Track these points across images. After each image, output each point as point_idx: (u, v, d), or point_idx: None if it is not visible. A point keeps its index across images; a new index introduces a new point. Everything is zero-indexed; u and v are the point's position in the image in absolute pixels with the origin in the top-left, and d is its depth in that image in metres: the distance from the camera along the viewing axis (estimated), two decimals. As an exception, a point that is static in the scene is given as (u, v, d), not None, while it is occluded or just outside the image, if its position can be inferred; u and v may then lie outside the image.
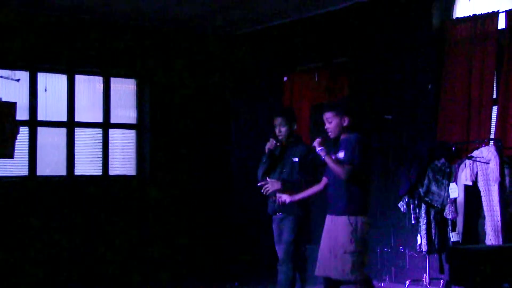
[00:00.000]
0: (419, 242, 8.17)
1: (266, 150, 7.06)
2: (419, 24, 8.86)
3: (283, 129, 7.05)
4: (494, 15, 8.17)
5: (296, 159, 6.96)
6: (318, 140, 6.31)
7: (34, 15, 9.65)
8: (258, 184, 6.97)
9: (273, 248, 7.64)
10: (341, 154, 6.23)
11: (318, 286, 9.13)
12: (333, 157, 6.24)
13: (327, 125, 6.36)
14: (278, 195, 6.75)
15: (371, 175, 6.51)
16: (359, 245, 6.10)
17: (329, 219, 6.31)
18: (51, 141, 9.97)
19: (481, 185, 7.63)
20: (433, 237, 8.11)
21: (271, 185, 6.88)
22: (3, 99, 8.66)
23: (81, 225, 9.86)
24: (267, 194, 6.94)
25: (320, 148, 6.26)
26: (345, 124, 6.29)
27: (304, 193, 6.64)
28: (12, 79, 9.58)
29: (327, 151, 6.26)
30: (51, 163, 9.92)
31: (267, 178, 6.95)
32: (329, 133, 6.38)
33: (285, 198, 6.72)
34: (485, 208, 7.60)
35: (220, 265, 10.80)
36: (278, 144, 7.07)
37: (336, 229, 6.18)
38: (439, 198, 8.02)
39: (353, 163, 6.09)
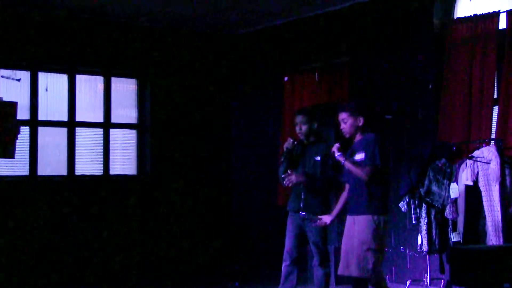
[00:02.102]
0: (419, 242, 8.17)
1: (284, 149, 7.06)
2: (419, 24, 8.86)
3: (304, 127, 7.04)
4: (495, 15, 8.17)
5: (318, 158, 6.97)
6: (337, 145, 6.41)
7: (35, 15, 9.65)
8: (282, 176, 6.96)
9: (274, 248, 7.66)
10: (360, 155, 6.31)
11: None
12: (352, 159, 6.32)
13: (342, 125, 6.45)
14: (319, 218, 6.77)
15: (390, 174, 6.55)
16: (380, 243, 6.23)
17: (350, 219, 6.40)
18: (52, 141, 9.97)
19: (481, 185, 7.64)
20: (434, 237, 8.11)
21: (295, 176, 6.90)
22: (4, 99, 8.65)
23: (81, 225, 9.86)
24: (290, 185, 6.95)
25: (339, 153, 6.36)
26: (360, 124, 6.39)
27: (338, 206, 6.71)
28: (13, 79, 9.58)
29: (345, 155, 6.34)
30: (52, 163, 9.92)
31: (288, 170, 6.96)
32: (344, 133, 6.47)
33: (326, 219, 6.74)
34: (485, 208, 7.60)
35: (220, 265, 10.80)
36: (296, 142, 7.06)
37: (357, 229, 6.26)
38: (439, 198, 8.03)
39: (374, 164, 6.19)
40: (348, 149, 6.48)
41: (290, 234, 7.09)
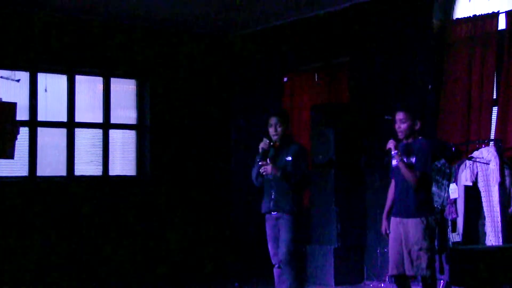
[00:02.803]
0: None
1: (260, 150, 7.00)
2: (419, 25, 8.85)
3: (280, 129, 7.02)
4: (494, 15, 8.17)
5: (290, 158, 6.94)
6: (392, 142, 6.46)
7: (34, 15, 9.65)
8: (260, 163, 6.93)
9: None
10: (412, 159, 6.41)
11: (318, 286, 9.17)
12: (408, 161, 6.41)
13: (398, 125, 6.50)
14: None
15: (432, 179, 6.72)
16: (432, 243, 6.42)
17: (396, 221, 6.52)
18: (51, 142, 9.97)
19: (481, 185, 7.64)
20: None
21: (271, 167, 6.86)
22: (3, 99, 8.63)
23: (81, 226, 9.86)
24: (264, 173, 6.91)
25: (395, 151, 6.42)
26: (416, 127, 6.48)
27: (387, 207, 6.75)
28: (12, 80, 9.57)
29: (401, 155, 6.41)
30: (51, 164, 9.92)
31: (268, 160, 6.93)
32: (399, 133, 6.53)
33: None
34: (485, 209, 7.60)
35: (220, 265, 10.80)
36: (271, 144, 7.03)
37: (407, 230, 6.41)
38: (439, 199, 8.02)
39: (425, 171, 6.35)
40: (399, 149, 6.54)
41: (270, 237, 7.06)
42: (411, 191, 6.40)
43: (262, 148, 6.99)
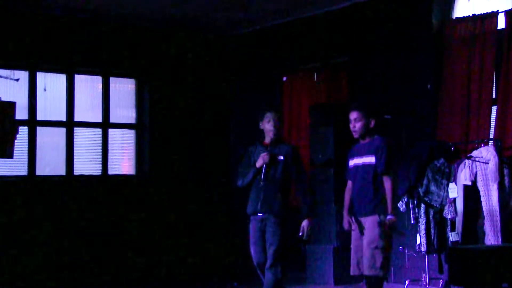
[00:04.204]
0: (418, 242, 8.17)
1: (263, 163, 6.80)
2: (418, 24, 8.86)
3: (278, 124, 6.90)
4: (494, 15, 8.17)
5: (282, 157, 6.85)
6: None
7: (34, 15, 9.65)
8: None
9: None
10: (370, 159, 6.39)
11: (318, 286, 9.17)
12: (361, 161, 6.42)
13: (353, 125, 6.48)
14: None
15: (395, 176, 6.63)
16: (389, 243, 6.38)
17: (357, 221, 6.50)
18: (51, 141, 9.97)
19: (480, 185, 7.64)
20: (433, 237, 8.11)
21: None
22: (3, 99, 8.65)
23: (80, 225, 9.86)
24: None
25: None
26: (371, 126, 6.44)
27: (346, 205, 6.70)
28: (11, 79, 9.56)
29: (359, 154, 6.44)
30: (50, 163, 9.92)
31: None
32: (354, 133, 6.51)
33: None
34: (484, 208, 7.61)
35: (220, 265, 10.80)
36: (270, 153, 6.84)
37: (365, 229, 6.39)
38: (438, 198, 8.03)
39: (390, 171, 6.37)
40: (351, 149, 6.49)
41: (253, 240, 6.94)
42: (368, 189, 6.38)
43: (265, 164, 6.81)
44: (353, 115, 6.46)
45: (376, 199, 6.37)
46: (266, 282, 6.78)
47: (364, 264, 6.33)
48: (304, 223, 6.80)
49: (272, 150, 6.87)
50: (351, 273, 6.57)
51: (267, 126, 6.91)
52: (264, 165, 6.82)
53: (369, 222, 6.36)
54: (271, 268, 6.74)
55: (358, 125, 6.44)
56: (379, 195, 6.36)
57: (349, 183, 6.68)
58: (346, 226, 6.67)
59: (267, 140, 6.95)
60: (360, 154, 6.45)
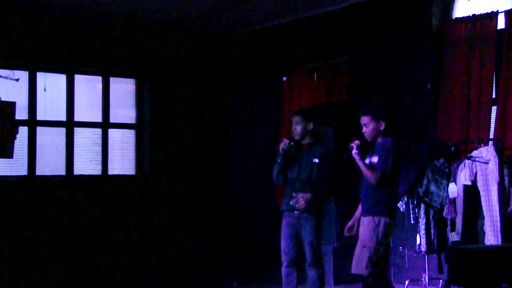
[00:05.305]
0: (418, 242, 8.18)
1: (280, 150, 7.00)
2: (418, 24, 8.86)
3: (298, 128, 7.00)
4: (494, 15, 8.17)
5: (317, 160, 6.92)
6: (356, 142, 6.47)
7: (34, 15, 9.65)
8: (291, 203, 6.90)
9: (273, 249, 7.63)
10: (375, 159, 6.43)
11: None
12: (368, 161, 6.43)
13: (364, 129, 6.54)
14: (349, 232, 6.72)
15: (398, 180, 6.61)
16: (378, 244, 6.32)
17: (361, 220, 6.56)
18: (51, 141, 9.97)
19: (480, 185, 7.64)
20: (432, 237, 8.11)
21: (302, 198, 6.84)
22: (3, 99, 8.65)
23: (80, 225, 9.86)
24: (300, 208, 6.86)
25: (356, 151, 6.43)
26: (381, 128, 6.48)
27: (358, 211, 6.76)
28: (11, 79, 9.56)
29: (362, 155, 6.44)
30: (50, 163, 9.92)
31: (293, 193, 6.90)
32: (366, 137, 6.56)
33: (355, 227, 6.69)
34: (484, 208, 7.61)
35: (220, 265, 10.80)
36: (292, 143, 7.03)
37: (361, 228, 6.46)
38: (438, 198, 8.03)
39: (385, 170, 6.31)
40: (368, 150, 6.58)
41: (285, 234, 7.04)
42: (371, 190, 6.41)
43: (282, 149, 6.99)
44: (364, 120, 6.54)
45: (374, 200, 6.38)
46: (310, 279, 6.94)
47: (352, 262, 6.40)
48: (304, 194, 6.84)
49: (308, 151, 6.99)
50: (351, 271, 6.59)
51: (292, 129, 7.10)
52: (283, 154, 6.95)
53: (365, 222, 6.42)
54: (313, 266, 6.91)
55: (368, 129, 6.52)
56: (378, 197, 6.38)
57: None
58: (345, 231, 6.78)
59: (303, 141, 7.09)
60: (369, 155, 6.54)
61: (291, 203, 6.95)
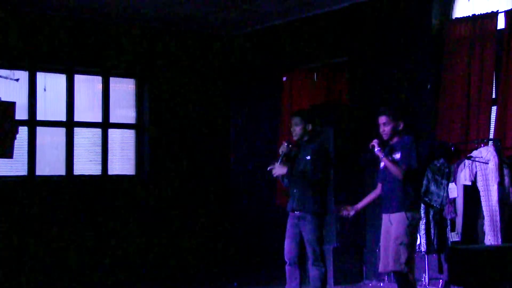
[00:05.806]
0: (418, 242, 8.16)
1: (280, 153, 7.09)
2: (418, 24, 8.86)
3: (297, 128, 7.10)
4: (494, 15, 8.17)
5: (308, 157, 7.01)
6: (376, 141, 6.63)
7: (34, 15, 9.65)
8: (268, 168, 7.04)
9: (273, 248, 7.64)
10: (397, 156, 6.57)
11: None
12: (391, 158, 6.57)
13: (382, 128, 6.69)
14: (344, 207, 6.97)
15: (423, 175, 6.78)
16: (412, 239, 6.52)
17: (385, 218, 6.68)
18: (50, 141, 9.97)
19: (480, 185, 7.64)
20: (432, 237, 8.11)
21: (277, 169, 6.98)
22: (2, 99, 8.65)
23: (80, 225, 9.86)
24: (275, 176, 7.04)
25: (378, 149, 6.59)
26: (400, 128, 6.65)
27: (365, 201, 7.01)
28: (11, 79, 9.57)
29: (385, 152, 6.58)
30: (50, 163, 9.92)
31: (274, 162, 7.03)
32: (384, 136, 6.70)
33: (350, 211, 6.97)
34: (484, 208, 7.60)
35: (220, 265, 10.80)
36: (291, 146, 7.11)
37: (392, 226, 6.53)
38: (438, 198, 8.03)
39: (410, 164, 6.47)
40: (385, 149, 6.70)
41: (288, 234, 7.13)
42: (397, 186, 6.52)
43: (282, 152, 7.09)
44: (382, 120, 6.68)
45: (404, 196, 6.50)
46: (312, 278, 7.00)
47: (389, 259, 6.48)
48: (284, 167, 6.96)
49: (303, 150, 7.08)
50: (380, 271, 6.81)
51: (291, 130, 7.18)
52: (283, 156, 7.04)
53: (396, 218, 6.51)
54: (315, 265, 6.97)
55: (387, 128, 6.66)
56: (407, 192, 6.51)
57: (379, 185, 6.87)
58: (342, 210, 6.98)
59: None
60: (388, 154, 6.62)
61: (293, 203, 7.06)
